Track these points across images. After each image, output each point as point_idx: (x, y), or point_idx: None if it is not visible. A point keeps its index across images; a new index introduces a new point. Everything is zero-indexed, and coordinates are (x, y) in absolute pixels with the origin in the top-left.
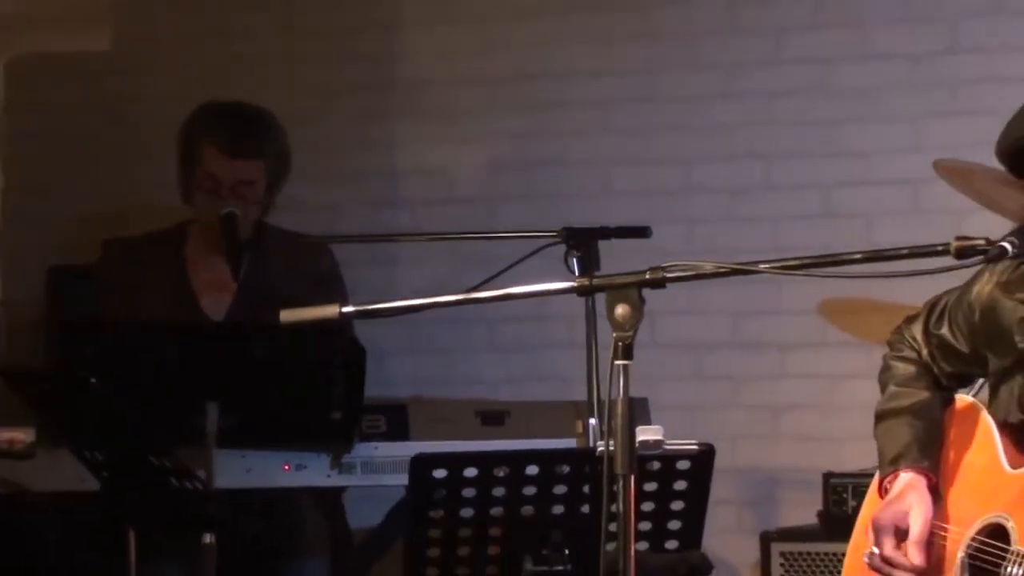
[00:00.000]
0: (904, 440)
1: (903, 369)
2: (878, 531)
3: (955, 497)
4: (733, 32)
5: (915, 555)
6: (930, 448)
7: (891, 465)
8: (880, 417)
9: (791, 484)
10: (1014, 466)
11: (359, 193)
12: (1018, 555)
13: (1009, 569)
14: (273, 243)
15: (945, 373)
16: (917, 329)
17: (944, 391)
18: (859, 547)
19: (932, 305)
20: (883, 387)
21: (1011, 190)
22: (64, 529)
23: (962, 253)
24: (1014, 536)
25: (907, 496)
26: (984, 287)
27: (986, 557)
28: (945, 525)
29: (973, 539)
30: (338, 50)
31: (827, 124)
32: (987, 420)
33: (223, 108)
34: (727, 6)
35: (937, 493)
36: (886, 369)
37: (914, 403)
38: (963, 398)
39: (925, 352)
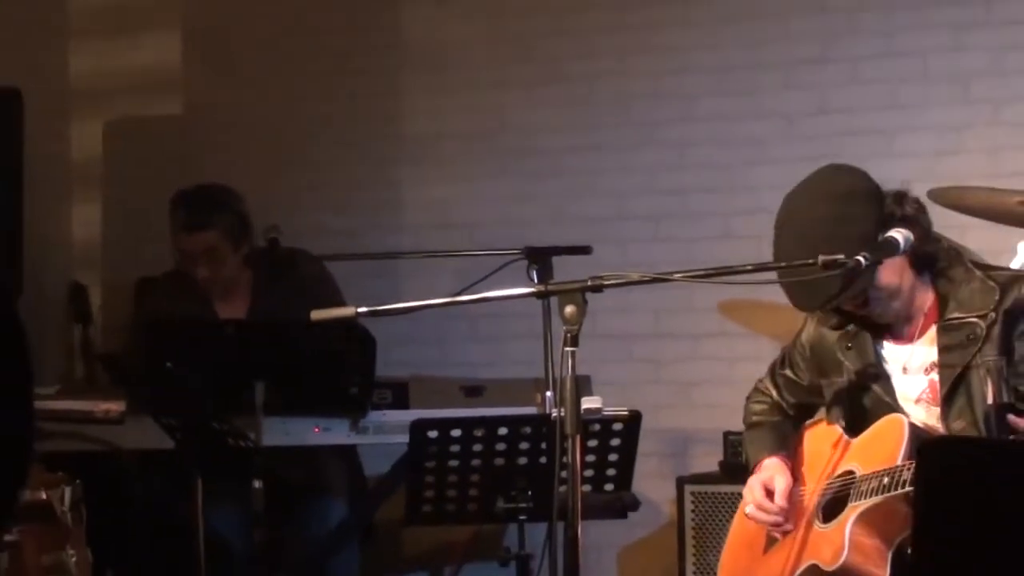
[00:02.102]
0: (764, 441)
1: (759, 406)
2: (751, 490)
3: (811, 468)
4: (656, 96)
5: (781, 502)
6: (785, 445)
7: (756, 458)
8: (746, 429)
9: (699, 440)
10: (855, 436)
11: (371, 221)
12: (863, 477)
13: (856, 489)
14: (269, 265)
15: (791, 404)
16: (767, 379)
17: (792, 420)
18: (739, 523)
19: (775, 362)
20: (744, 422)
21: None
22: (147, 478)
23: (827, 265)
24: (859, 474)
25: (769, 469)
26: (809, 329)
27: (839, 490)
28: (803, 487)
29: (828, 485)
30: (358, 112)
31: (727, 167)
32: (831, 424)
33: (181, 196)
34: (652, 77)
35: (795, 474)
36: (745, 410)
37: (770, 420)
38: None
39: (775, 393)
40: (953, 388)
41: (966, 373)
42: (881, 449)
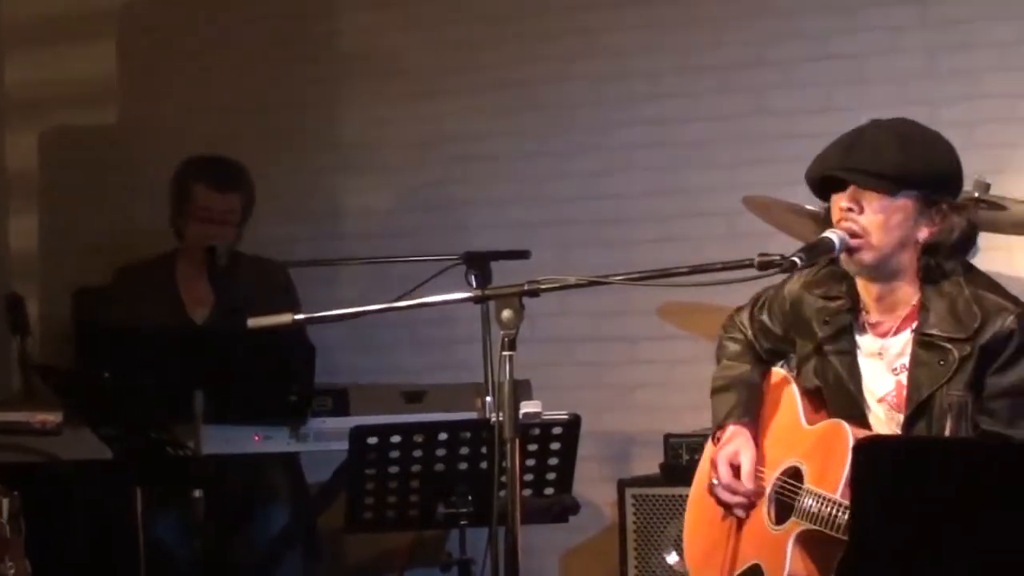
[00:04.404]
0: (731, 403)
1: (732, 348)
2: (717, 466)
3: (768, 446)
4: (593, 103)
5: (748, 483)
6: (751, 408)
7: (722, 421)
8: (714, 389)
9: (640, 443)
10: (810, 423)
11: (311, 228)
12: (808, 491)
13: (801, 503)
14: (242, 266)
15: (764, 349)
16: (744, 315)
17: (764, 364)
18: (700, 482)
19: (756, 298)
20: (718, 360)
21: (801, 218)
22: (86, 488)
23: (763, 266)
24: (806, 477)
25: (736, 440)
26: (794, 285)
27: (787, 492)
28: (760, 468)
29: (778, 479)
30: (296, 121)
31: (665, 170)
32: (793, 388)
33: (208, 158)
34: (592, 82)
35: (756, 442)
36: (720, 347)
37: (739, 374)
38: (777, 371)
39: (750, 333)
40: (916, 414)
41: (930, 401)
42: (827, 463)
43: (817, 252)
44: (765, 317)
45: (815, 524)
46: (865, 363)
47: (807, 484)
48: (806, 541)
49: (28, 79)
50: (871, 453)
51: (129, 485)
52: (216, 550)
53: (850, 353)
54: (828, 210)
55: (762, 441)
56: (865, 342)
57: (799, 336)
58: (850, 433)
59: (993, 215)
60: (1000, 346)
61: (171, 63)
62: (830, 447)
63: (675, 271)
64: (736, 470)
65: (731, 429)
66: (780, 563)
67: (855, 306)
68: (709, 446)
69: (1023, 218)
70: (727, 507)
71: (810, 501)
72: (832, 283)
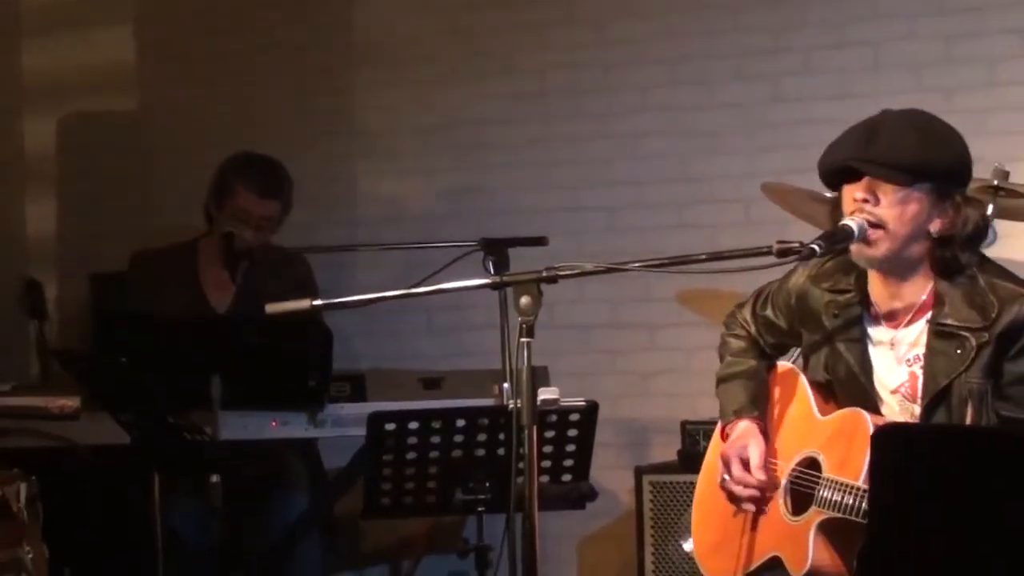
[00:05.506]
0: (739, 397)
1: (736, 344)
2: (727, 462)
3: (780, 439)
4: (608, 89)
5: (759, 475)
6: (759, 402)
7: (730, 416)
8: (720, 381)
9: (657, 430)
10: (823, 414)
11: (327, 214)
12: (827, 480)
13: (821, 492)
14: (263, 254)
15: (768, 344)
16: (747, 311)
17: (768, 359)
18: (708, 475)
19: (758, 293)
20: (721, 358)
21: (819, 205)
22: (104, 474)
23: (782, 253)
24: (824, 466)
25: (745, 436)
26: (799, 279)
27: (804, 482)
28: (773, 460)
29: (793, 469)
30: (311, 108)
31: (681, 157)
32: (803, 380)
33: (257, 157)
34: (603, 69)
35: (766, 435)
36: (723, 344)
37: (746, 369)
38: (784, 364)
39: (753, 329)
40: (934, 403)
41: (948, 390)
42: (849, 451)
43: (836, 240)
44: (769, 312)
45: (838, 512)
46: (876, 355)
47: (826, 473)
48: (828, 530)
49: (47, 65)
50: (890, 440)
51: (147, 470)
52: (232, 536)
53: (860, 344)
54: (838, 200)
55: (773, 434)
56: (876, 333)
57: (806, 329)
58: (870, 421)
59: (1012, 203)
60: (1017, 333)
61: (189, 49)
62: (851, 435)
63: (693, 258)
64: (746, 464)
65: (740, 425)
66: (802, 553)
67: (864, 298)
68: (716, 439)
69: None
70: (739, 501)
71: (831, 489)
72: (839, 276)
